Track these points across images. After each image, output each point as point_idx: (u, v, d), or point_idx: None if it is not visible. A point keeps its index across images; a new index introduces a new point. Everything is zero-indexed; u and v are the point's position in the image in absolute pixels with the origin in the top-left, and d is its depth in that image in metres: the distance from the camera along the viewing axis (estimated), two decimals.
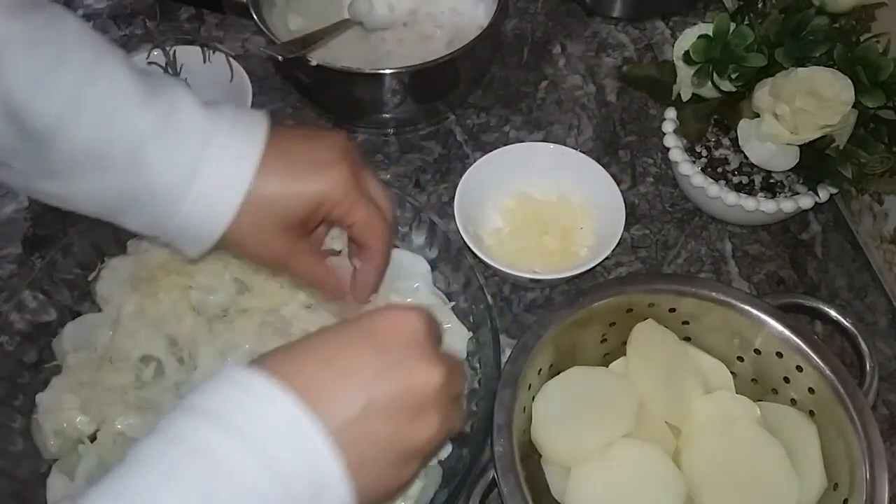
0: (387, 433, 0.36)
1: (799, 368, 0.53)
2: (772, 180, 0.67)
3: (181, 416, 0.34)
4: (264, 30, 0.71)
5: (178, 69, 0.73)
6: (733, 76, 0.62)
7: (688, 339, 0.58)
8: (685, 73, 0.64)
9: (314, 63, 0.68)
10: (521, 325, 0.65)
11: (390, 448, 0.36)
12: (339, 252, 0.59)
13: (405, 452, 0.37)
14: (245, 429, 0.32)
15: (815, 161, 0.62)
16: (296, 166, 0.48)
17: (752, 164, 0.65)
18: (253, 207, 0.47)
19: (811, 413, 0.53)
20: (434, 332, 0.39)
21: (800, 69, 0.59)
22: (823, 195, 0.65)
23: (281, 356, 0.36)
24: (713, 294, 0.55)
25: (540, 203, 0.69)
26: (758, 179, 0.67)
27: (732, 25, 0.61)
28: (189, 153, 0.46)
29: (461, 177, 0.66)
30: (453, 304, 0.62)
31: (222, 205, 0.47)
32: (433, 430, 0.38)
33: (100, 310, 0.61)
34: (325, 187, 0.49)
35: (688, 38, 0.63)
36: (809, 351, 0.52)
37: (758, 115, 0.63)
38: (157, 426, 0.34)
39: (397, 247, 0.64)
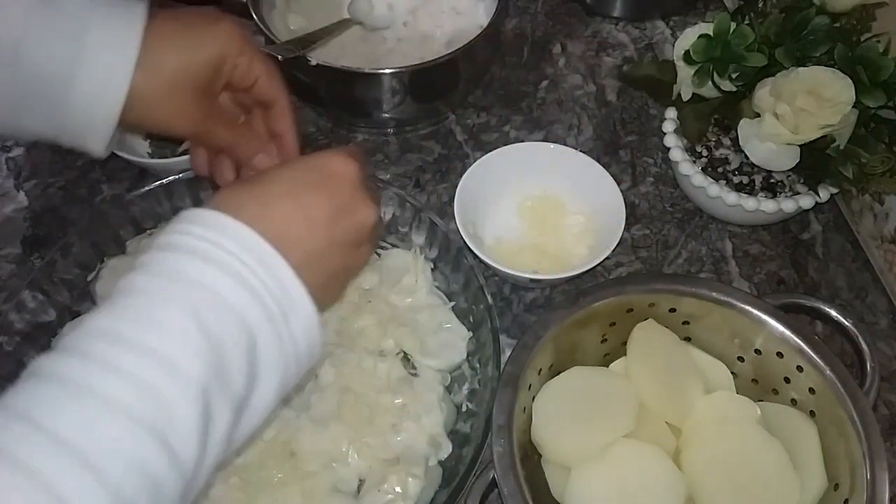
0: (340, 263, 0.45)
1: (799, 368, 0.53)
2: (772, 180, 0.67)
3: (160, 253, 0.38)
4: (264, 29, 0.71)
5: None
6: (734, 76, 0.62)
7: (688, 339, 0.58)
8: (685, 73, 0.64)
9: (314, 63, 0.68)
10: (521, 325, 0.65)
11: (340, 273, 0.47)
12: None
13: (348, 275, 0.49)
14: (224, 260, 0.38)
15: (815, 161, 0.62)
16: (188, 24, 0.49)
17: (753, 163, 0.65)
18: (156, 73, 0.47)
19: (812, 413, 0.53)
20: (363, 169, 0.47)
21: (800, 69, 0.59)
22: (824, 195, 0.65)
23: (251, 201, 0.42)
24: (714, 294, 0.55)
25: (540, 203, 0.69)
26: (758, 179, 0.67)
27: (733, 25, 0.61)
28: (72, 28, 0.45)
29: (461, 177, 0.66)
30: (453, 304, 0.62)
31: (116, 72, 0.46)
32: (367, 255, 0.49)
33: None
34: (222, 39, 0.50)
35: (688, 37, 0.63)
36: (810, 351, 0.52)
37: (758, 115, 0.63)
38: (136, 264, 0.38)
39: (397, 246, 0.64)
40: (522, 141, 0.76)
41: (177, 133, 0.53)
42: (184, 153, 0.69)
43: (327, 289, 0.45)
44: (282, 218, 0.42)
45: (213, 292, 0.37)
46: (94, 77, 0.46)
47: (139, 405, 0.33)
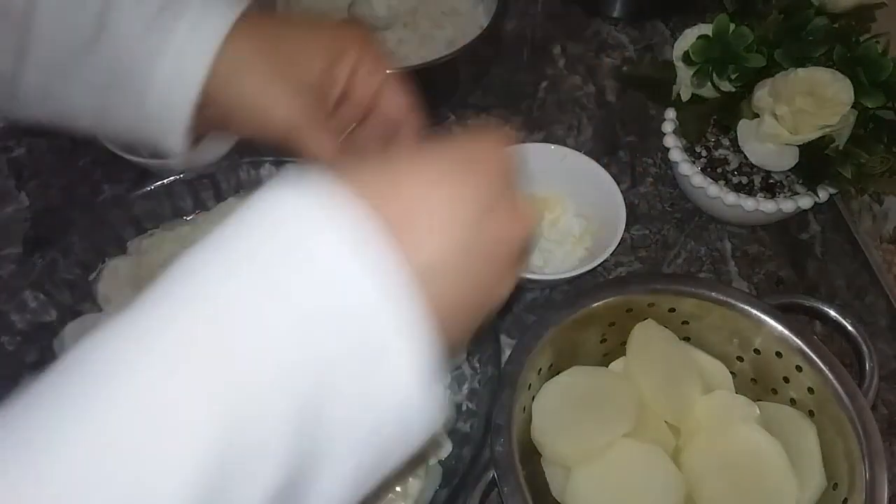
0: (472, 285, 0.31)
1: (798, 368, 0.53)
2: (771, 180, 0.67)
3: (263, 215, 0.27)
4: None
5: None
6: (733, 76, 0.62)
7: (687, 339, 0.58)
8: (685, 74, 0.64)
9: None
10: (521, 325, 0.65)
11: (470, 303, 0.32)
12: None
13: (483, 308, 0.33)
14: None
15: (814, 161, 0.62)
16: (302, 19, 0.41)
17: (752, 164, 0.65)
18: (252, 55, 0.40)
19: (811, 413, 0.53)
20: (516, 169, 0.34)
21: (799, 69, 0.59)
22: (823, 195, 0.65)
23: (377, 178, 0.30)
24: (713, 294, 0.55)
25: (540, 203, 0.69)
26: (757, 179, 0.68)
27: (732, 26, 0.61)
28: (155, 7, 0.40)
29: None
30: None
31: (199, 48, 0.39)
32: (511, 285, 0.33)
33: (100, 310, 0.61)
34: (343, 34, 0.41)
35: (687, 38, 0.64)
36: (809, 351, 0.52)
37: (757, 116, 0.63)
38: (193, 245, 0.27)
39: None
40: (522, 141, 0.76)
41: (260, 129, 0.43)
42: None
43: (453, 315, 0.31)
44: (409, 203, 0.29)
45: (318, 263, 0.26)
46: (176, 56, 0.39)
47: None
